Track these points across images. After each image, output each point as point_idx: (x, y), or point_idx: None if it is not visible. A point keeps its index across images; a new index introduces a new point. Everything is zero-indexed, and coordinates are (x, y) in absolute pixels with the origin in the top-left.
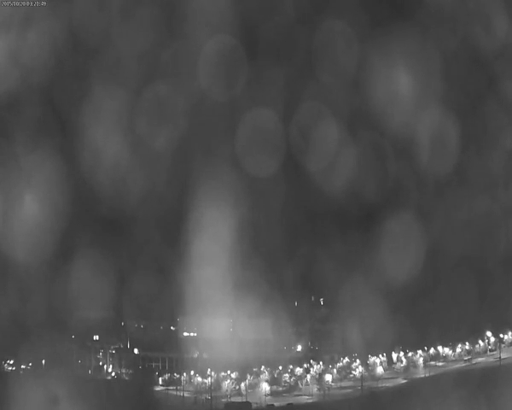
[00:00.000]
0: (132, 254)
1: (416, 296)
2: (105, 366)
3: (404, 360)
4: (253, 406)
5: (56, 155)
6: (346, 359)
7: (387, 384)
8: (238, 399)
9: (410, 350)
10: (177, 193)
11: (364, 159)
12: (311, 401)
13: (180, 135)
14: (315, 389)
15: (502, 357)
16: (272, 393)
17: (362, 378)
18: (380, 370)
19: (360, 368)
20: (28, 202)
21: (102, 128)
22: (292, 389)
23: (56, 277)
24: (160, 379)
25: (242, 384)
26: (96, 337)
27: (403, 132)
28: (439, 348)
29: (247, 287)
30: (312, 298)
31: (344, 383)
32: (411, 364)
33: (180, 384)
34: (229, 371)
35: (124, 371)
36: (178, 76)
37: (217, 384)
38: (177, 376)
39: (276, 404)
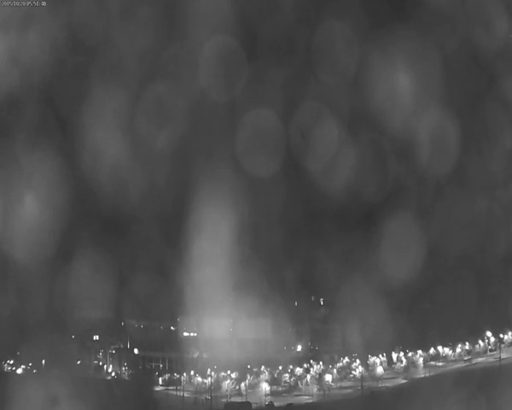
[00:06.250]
0: (132, 254)
1: (415, 296)
2: (105, 366)
3: (404, 360)
4: (253, 406)
5: (56, 155)
6: (346, 359)
7: (387, 384)
8: (238, 399)
9: (410, 350)
10: (177, 193)
11: (364, 159)
12: (311, 401)
13: (180, 135)
14: (315, 389)
15: (502, 357)
16: (272, 393)
17: (362, 378)
18: (380, 370)
19: (360, 368)
20: (28, 202)
21: (102, 128)
22: (292, 389)
23: (56, 277)
24: (160, 379)
25: (242, 384)
26: (96, 337)
27: (403, 132)
28: (439, 348)
29: (247, 287)
30: (312, 298)
31: (344, 383)
32: (411, 364)
33: (180, 384)
34: (229, 371)
35: (124, 371)
36: (178, 76)
37: (217, 384)
38: (177, 376)
39: (276, 404)
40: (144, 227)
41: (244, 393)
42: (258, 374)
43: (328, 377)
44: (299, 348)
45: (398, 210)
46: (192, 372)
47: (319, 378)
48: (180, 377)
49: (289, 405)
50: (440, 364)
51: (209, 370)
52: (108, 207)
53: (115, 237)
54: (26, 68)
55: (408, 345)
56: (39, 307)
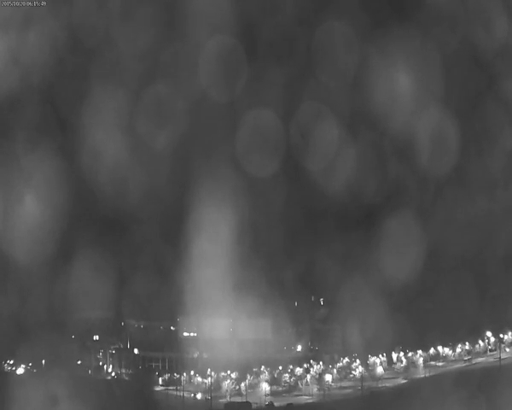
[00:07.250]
0: (132, 254)
1: (415, 296)
2: (105, 366)
3: (404, 360)
4: (253, 406)
5: (56, 154)
6: (346, 359)
7: (387, 384)
8: (238, 399)
9: (410, 350)
10: (177, 193)
11: (364, 159)
12: (311, 401)
13: (180, 135)
14: (315, 389)
15: (502, 357)
16: (272, 393)
17: (362, 378)
18: (380, 370)
19: (360, 368)
20: (28, 202)
21: (102, 128)
22: (292, 389)
23: (56, 277)
24: (160, 379)
25: (242, 384)
26: (96, 337)
27: (403, 132)
28: (439, 348)
29: (247, 287)
30: (312, 298)
31: (344, 383)
32: (411, 364)
33: (180, 384)
34: (229, 371)
35: (124, 371)
36: (178, 76)
37: (217, 384)
38: (177, 376)
39: (276, 404)
40: (144, 227)
41: (244, 393)
42: (258, 374)
43: (328, 377)
44: (299, 348)
45: (398, 210)
46: (192, 372)
47: (319, 378)
48: (180, 377)
49: (289, 405)
50: (440, 364)
51: (209, 370)
52: (108, 207)
53: (115, 237)
54: (26, 68)
55: (408, 345)
56: (39, 307)
